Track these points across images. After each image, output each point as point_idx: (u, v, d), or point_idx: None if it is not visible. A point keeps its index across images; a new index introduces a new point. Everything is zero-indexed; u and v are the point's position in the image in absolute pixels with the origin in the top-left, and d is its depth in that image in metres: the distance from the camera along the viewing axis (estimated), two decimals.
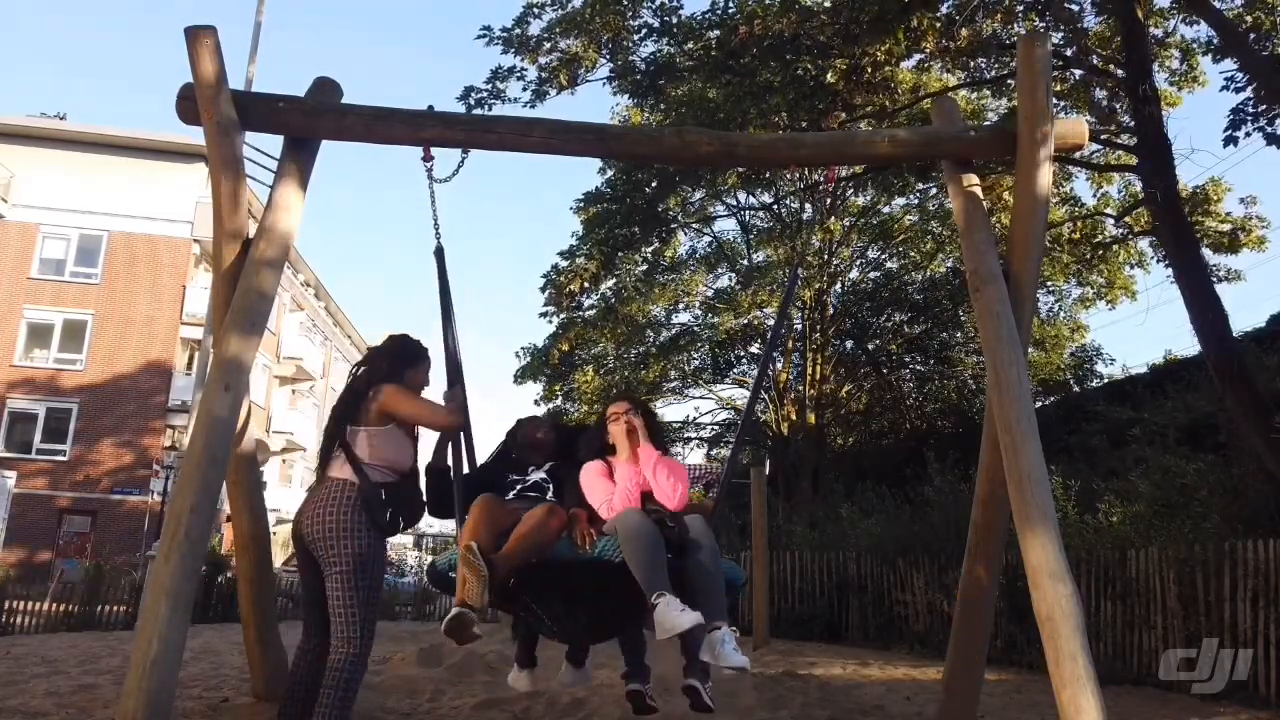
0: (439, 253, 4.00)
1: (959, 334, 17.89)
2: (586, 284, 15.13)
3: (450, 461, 3.71)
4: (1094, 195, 13.43)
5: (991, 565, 3.96)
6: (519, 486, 3.79)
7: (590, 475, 3.52)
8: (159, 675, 2.76)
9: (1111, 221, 12.68)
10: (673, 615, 2.93)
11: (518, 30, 10.26)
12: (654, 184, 13.00)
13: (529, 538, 3.21)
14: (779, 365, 18.31)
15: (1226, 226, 11.72)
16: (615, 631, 3.82)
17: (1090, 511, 8.31)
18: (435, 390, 3.65)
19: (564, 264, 15.74)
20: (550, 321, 17.58)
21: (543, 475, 3.83)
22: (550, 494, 3.74)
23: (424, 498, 3.48)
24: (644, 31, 10.50)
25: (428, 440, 3.65)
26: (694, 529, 3.27)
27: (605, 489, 3.44)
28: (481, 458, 3.97)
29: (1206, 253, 11.63)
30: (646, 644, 3.85)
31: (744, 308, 17.25)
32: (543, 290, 16.30)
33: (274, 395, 31.64)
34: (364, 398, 3.30)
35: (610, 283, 16.80)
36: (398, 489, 3.27)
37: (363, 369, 3.47)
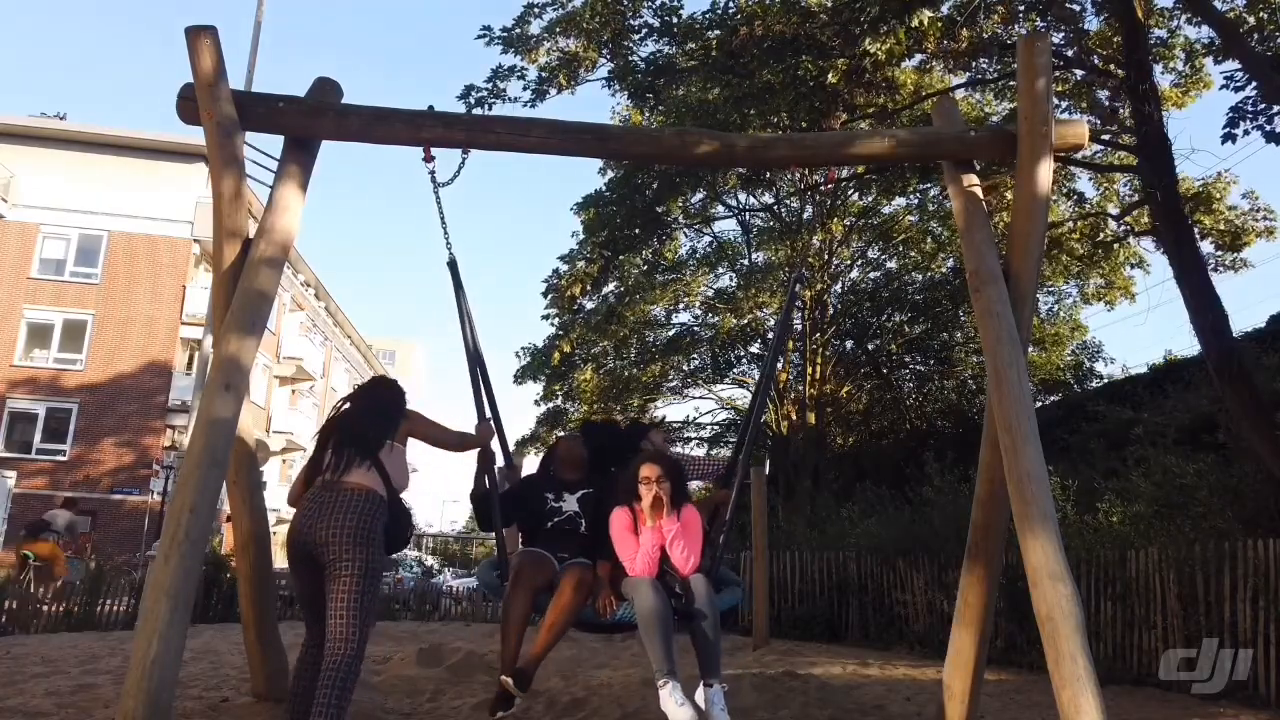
0: (452, 264, 3.99)
1: (959, 334, 17.88)
2: (588, 288, 15.12)
3: (488, 485, 4.11)
4: (1099, 192, 13.41)
5: (991, 565, 3.95)
6: (555, 519, 4.12)
7: (618, 528, 3.89)
8: (159, 675, 2.77)
9: (1113, 221, 12.67)
10: (673, 708, 3.35)
11: (517, 30, 10.26)
12: (654, 185, 12.98)
13: (558, 626, 3.70)
14: (779, 366, 18.27)
15: (1229, 226, 11.68)
16: None
17: (1090, 511, 8.29)
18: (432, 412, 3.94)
19: (564, 268, 15.73)
20: (551, 324, 17.61)
21: (575, 508, 4.14)
22: (583, 527, 4.11)
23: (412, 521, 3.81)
24: (644, 31, 10.50)
25: (466, 470, 4.02)
26: (699, 598, 3.63)
27: (630, 546, 3.84)
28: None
29: (1211, 247, 11.61)
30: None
31: (745, 309, 17.23)
32: (545, 294, 16.31)
33: (274, 395, 31.63)
34: (400, 418, 3.53)
35: (612, 285, 16.79)
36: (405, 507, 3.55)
37: (384, 394, 3.64)
